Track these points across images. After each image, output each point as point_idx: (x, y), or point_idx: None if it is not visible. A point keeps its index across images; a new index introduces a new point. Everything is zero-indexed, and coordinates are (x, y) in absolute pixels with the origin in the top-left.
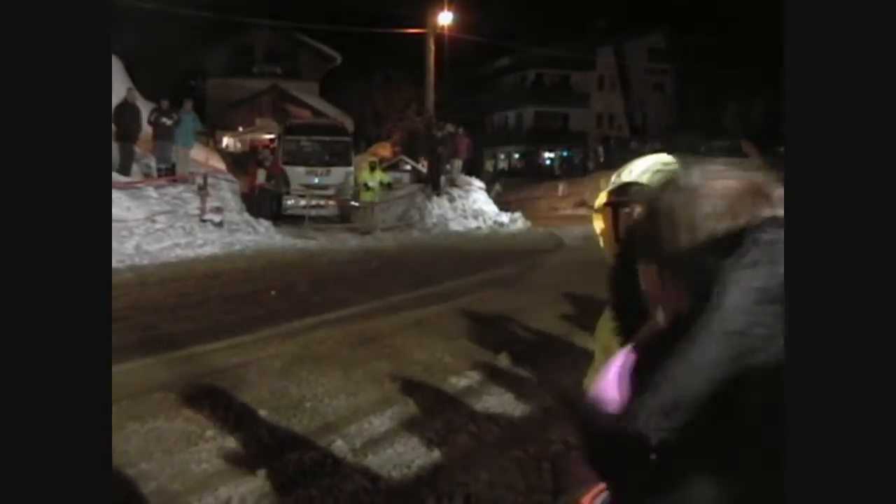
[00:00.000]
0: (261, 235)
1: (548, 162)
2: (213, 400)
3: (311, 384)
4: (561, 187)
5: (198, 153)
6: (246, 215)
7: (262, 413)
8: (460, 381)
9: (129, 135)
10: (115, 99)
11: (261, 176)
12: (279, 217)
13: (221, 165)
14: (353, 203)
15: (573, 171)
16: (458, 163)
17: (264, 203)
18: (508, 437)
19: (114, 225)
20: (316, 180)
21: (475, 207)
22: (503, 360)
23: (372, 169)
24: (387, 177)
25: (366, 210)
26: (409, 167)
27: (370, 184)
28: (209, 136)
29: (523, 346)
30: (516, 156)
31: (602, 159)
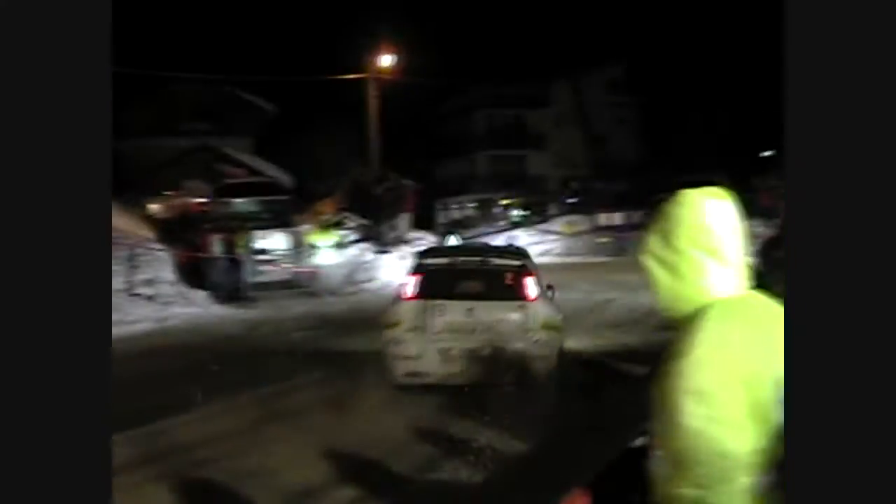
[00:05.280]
0: (197, 307)
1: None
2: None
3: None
4: (521, 237)
5: (123, 221)
6: (180, 287)
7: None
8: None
9: None
10: None
11: (217, 245)
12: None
13: (149, 234)
14: (302, 267)
15: (533, 217)
16: (406, 217)
17: (222, 274)
18: None
19: None
20: (254, 244)
21: None
22: None
23: (325, 229)
24: (336, 236)
25: (312, 274)
26: (354, 225)
27: (321, 244)
28: (135, 203)
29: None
30: (471, 205)
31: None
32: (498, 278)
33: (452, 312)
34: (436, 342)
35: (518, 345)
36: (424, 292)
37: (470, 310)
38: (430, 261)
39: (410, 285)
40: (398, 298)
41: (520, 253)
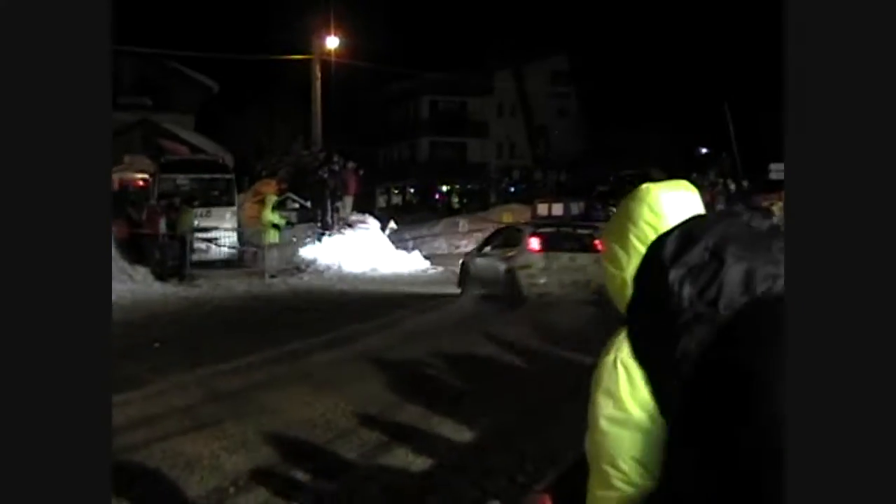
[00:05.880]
0: (138, 284)
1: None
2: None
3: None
4: (461, 223)
5: None
6: (121, 263)
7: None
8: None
9: None
10: None
11: (163, 224)
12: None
13: None
14: (245, 247)
15: (473, 204)
16: (349, 199)
17: (165, 251)
18: None
19: None
20: (196, 222)
21: (369, 247)
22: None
23: (273, 208)
24: (279, 217)
25: (254, 254)
26: (296, 205)
27: (264, 224)
28: None
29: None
30: (411, 190)
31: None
32: (584, 240)
33: (563, 259)
34: (554, 276)
35: (599, 279)
36: (545, 247)
37: (572, 258)
38: (542, 230)
39: (535, 243)
40: (528, 251)
41: (592, 226)
